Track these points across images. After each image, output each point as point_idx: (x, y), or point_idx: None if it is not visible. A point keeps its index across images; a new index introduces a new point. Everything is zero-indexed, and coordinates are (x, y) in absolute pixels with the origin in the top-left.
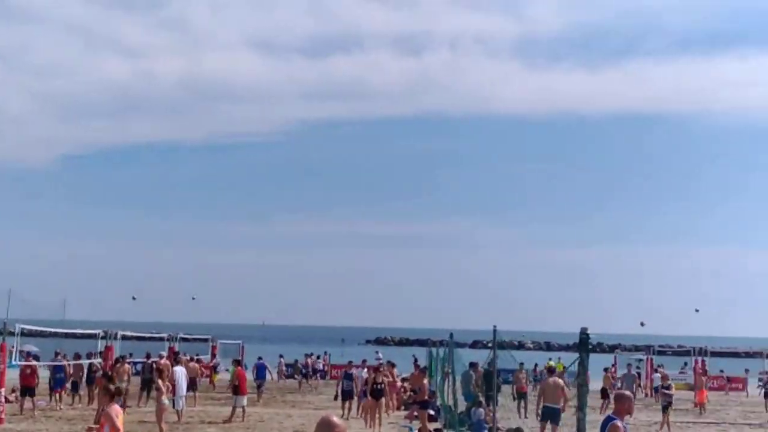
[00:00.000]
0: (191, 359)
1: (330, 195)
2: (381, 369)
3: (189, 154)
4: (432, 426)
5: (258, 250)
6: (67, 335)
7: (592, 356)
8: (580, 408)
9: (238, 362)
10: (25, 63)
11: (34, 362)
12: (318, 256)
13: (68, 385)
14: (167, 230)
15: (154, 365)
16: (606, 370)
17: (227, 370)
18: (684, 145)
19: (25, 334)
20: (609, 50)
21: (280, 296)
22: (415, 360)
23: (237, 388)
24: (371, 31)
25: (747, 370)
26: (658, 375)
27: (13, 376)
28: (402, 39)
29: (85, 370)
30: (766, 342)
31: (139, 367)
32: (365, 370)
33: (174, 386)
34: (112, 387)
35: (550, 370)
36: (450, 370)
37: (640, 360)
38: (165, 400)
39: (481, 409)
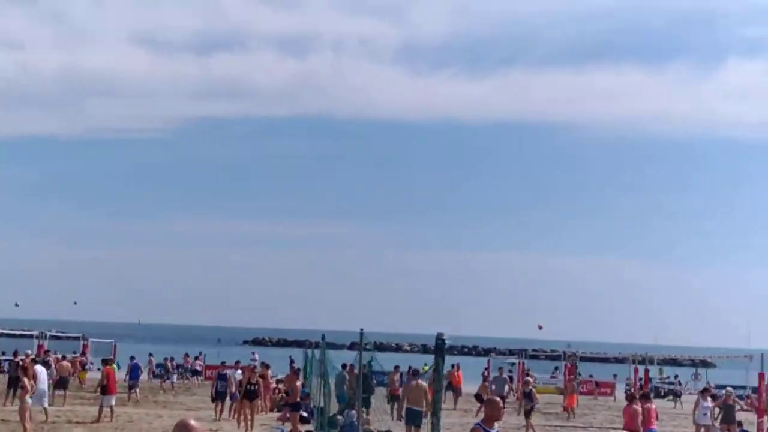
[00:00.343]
0: (63, 358)
1: (212, 194)
2: (254, 370)
3: (66, 149)
4: (303, 428)
5: (137, 248)
6: None
7: (470, 360)
8: (434, 413)
9: (106, 361)
10: None
11: None
12: (197, 255)
13: None
14: (45, 225)
15: (21, 363)
16: (484, 378)
17: (99, 369)
18: (555, 153)
19: None
20: (491, 59)
21: (156, 295)
22: (292, 361)
23: (105, 388)
24: (257, 30)
25: (615, 376)
26: (529, 379)
27: None
28: (287, 40)
29: None
30: (637, 348)
31: (6, 365)
32: (239, 371)
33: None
34: None
35: (414, 373)
36: (323, 373)
37: (513, 364)
38: (28, 399)
39: (354, 411)
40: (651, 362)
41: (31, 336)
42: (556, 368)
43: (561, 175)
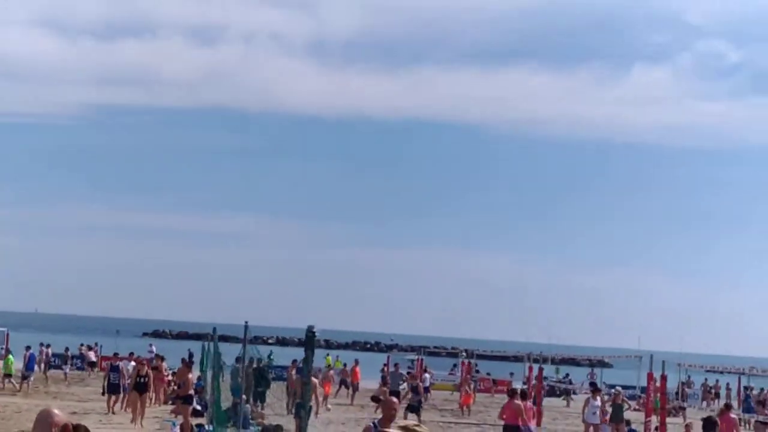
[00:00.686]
0: None
1: (114, 183)
2: (143, 362)
3: None
4: (195, 421)
5: (37, 235)
6: None
7: (371, 356)
8: (302, 405)
9: None
10: None
11: None
12: (98, 245)
13: None
14: None
15: None
16: (383, 374)
17: None
18: (468, 152)
19: None
20: (401, 56)
21: (54, 284)
22: (190, 354)
23: None
24: (167, 18)
25: (512, 374)
26: (428, 375)
27: None
28: (197, 29)
29: None
30: (533, 347)
31: None
32: (132, 363)
33: None
34: None
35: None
36: (214, 366)
37: (412, 360)
38: None
39: (248, 405)
40: (545, 361)
41: None
42: (455, 366)
43: (467, 173)
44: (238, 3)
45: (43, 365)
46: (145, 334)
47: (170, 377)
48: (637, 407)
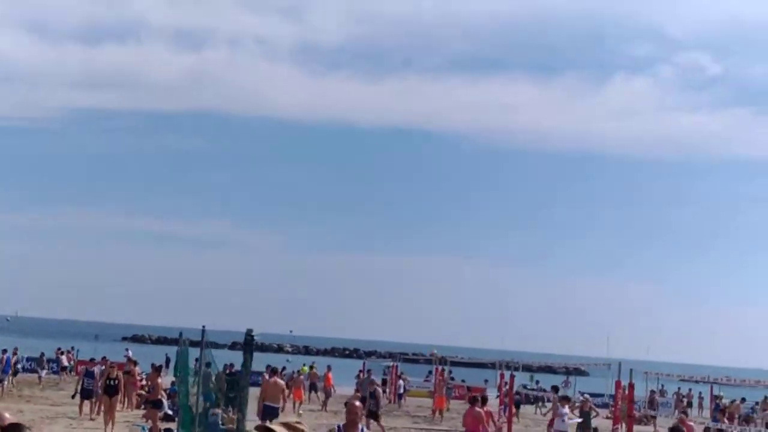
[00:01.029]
0: None
1: (95, 187)
2: (113, 365)
3: None
4: (164, 426)
5: (16, 240)
6: None
7: (351, 363)
8: (240, 409)
9: None
10: None
11: None
12: (79, 249)
13: None
14: None
15: None
16: (358, 378)
17: None
18: (450, 160)
19: None
20: (387, 64)
21: (34, 289)
22: (167, 359)
23: None
24: (152, 22)
25: (486, 381)
26: (402, 382)
27: None
28: (182, 33)
29: None
30: (506, 354)
31: None
32: (104, 366)
33: None
34: None
35: (273, 371)
36: (182, 370)
37: (388, 367)
38: None
39: (219, 410)
40: (517, 369)
41: None
42: (430, 372)
43: (448, 182)
44: (224, 7)
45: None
46: (124, 339)
47: (144, 382)
48: (609, 415)
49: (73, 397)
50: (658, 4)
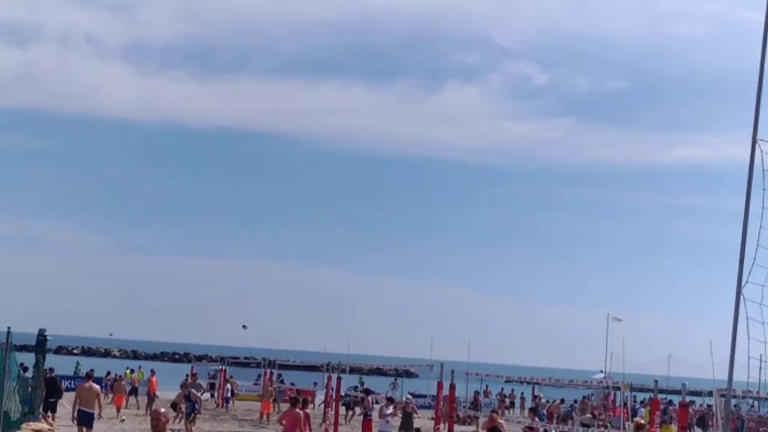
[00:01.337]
0: None
1: None
2: None
3: None
4: None
5: None
6: None
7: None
8: (31, 411)
9: None
10: None
11: None
12: None
13: None
14: None
15: None
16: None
17: None
18: (281, 163)
19: None
20: (219, 65)
21: None
22: None
23: None
24: None
25: (315, 383)
26: (229, 386)
27: None
28: (8, 28)
29: None
30: (334, 357)
31: None
32: None
33: None
34: None
35: (87, 376)
36: None
37: (217, 370)
38: None
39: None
40: (344, 371)
41: None
42: (259, 376)
43: (280, 184)
44: (53, 3)
45: None
46: None
47: None
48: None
49: None
50: (488, 14)
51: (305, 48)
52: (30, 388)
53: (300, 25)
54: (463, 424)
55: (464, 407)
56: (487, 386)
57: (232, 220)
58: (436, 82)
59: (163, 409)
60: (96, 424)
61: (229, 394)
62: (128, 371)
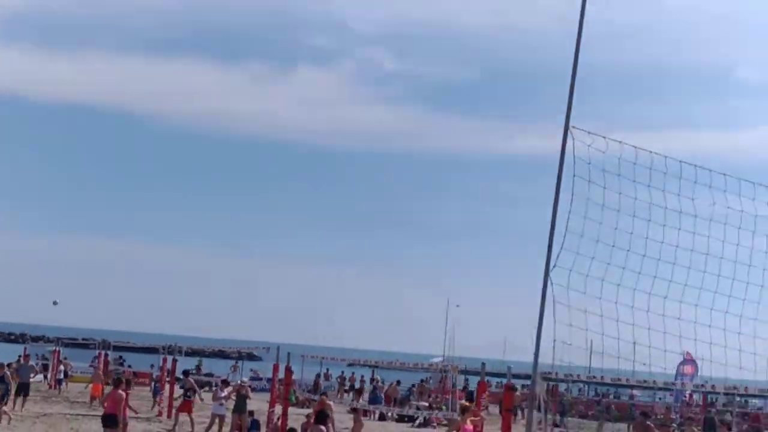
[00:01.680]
0: None
1: None
2: None
3: None
4: None
5: None
6: None
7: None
8: None
9: None
10: None
11: None
12: None
13: None
14: None
15: None
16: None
17: None
18: (127, 141)
19: None
20: (65, 39)
21: None
22: None
23: None
24: None
25: (152, 366)
26: (62, 367)
27: None
28: None
29: None
30: (167, 338)
31: None
32: None
33: None
34: None
35: None
36: None
37: (51, 351)
38: None
39: None
40: (180, 353)
41: None
42: (95, 358)
43: (127, 162)
44: None
45: None
46: None
47: None
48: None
49: None
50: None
51: (154, 25)
52: None
53: (152, 1)
54: (302, 406)
55: (303, 390)
56: (327, 369)
57: (82, 197)
58: (289, 64)
59: None
60: None
61: (62, 376)
62: None
